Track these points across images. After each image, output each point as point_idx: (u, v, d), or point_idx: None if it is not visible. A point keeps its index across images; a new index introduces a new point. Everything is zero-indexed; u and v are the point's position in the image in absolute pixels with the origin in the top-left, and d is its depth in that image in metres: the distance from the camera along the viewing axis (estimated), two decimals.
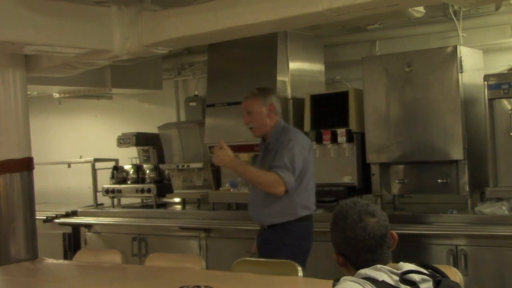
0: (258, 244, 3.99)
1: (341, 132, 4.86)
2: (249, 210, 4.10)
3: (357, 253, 1.98)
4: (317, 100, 5.12)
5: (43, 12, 3.72)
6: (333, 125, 4.96)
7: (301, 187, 3.89)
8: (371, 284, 1.84)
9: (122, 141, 6.25)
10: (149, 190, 5.90)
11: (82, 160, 6.64)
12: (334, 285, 1.93)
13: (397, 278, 1.89)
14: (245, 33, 4.10)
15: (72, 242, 6.17)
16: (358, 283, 1.84)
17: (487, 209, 4.27)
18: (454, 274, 2.60)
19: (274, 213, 3.89)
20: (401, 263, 1.97)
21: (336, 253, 2.06)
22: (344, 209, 2.03)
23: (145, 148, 6.34)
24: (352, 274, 1.94)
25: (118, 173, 6.21)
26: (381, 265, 1.93)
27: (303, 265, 3.76)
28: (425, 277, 1.91)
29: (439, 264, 2.10)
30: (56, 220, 6.11)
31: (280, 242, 3.85)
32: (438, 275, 1.95)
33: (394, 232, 2.05)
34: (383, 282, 1.86)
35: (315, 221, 4.83)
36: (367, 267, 1.93)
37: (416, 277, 1.90)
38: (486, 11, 5.00)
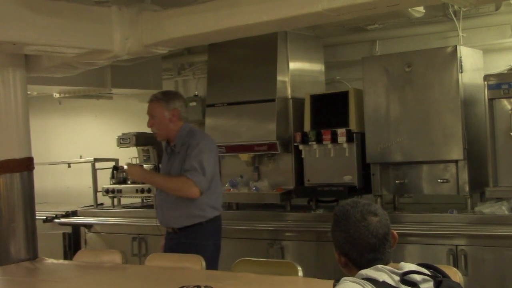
0: (169, 248, 3.98)
1: (341, 132, 4.86)
2: (157, 214, 4.12)
3: (360, 252, 1.98)
4: (317, 100, 5.12)
5: (43, 12, 3.72)
6: (333, 125, 4.96)
7: (210, 189, 3.96)
8: (372, 285, 1.84)
9: (122, 141, 6.25)
10: (149, 190, 5.89)
11: (82, 160, 6.64)
12: (334, 285, 1.93)
13: (397, 278, 1.89)
14: (245, 33, 4.10)
15: (72, 242, 6.16)
16: (359, 284, 1.84)
17: (487, 209, 4.27)
18: (454, 274, 2.60)
19: (184, 215, 3.94)
20: (402, 263, 1.97)
21: (338, 253, 2.05)
22: (345, 209, 2.03)
23: (145, 148, 6.33)
24: (354, 275, 1.94)
25: (118, 173, 6.20)
26: (382, 265, 1.93)
27: (216, 263, 3.92)
28: (426, 277, 1.91)
29: (439, 264, 2.10)
30: (56, 220, 6.10)
31: (195, 244, 3.90)
32: (439, 275, 1.94)
33: (394, 231, 2.05)
34: (384, 282, 1.86)
35: (315, 221, 4.88)
36: (369, 266, 1.93)
37: (417, 277, 1.90)
38: (486, 11, 5.00)
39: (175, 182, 3.92)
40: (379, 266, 1.93)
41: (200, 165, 3.87)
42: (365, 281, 1.85)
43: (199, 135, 4.08)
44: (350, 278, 1.90)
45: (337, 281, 1.92)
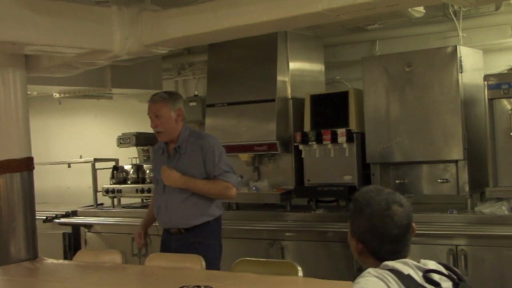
0: (174, 249, 3.92)
1: (341, 132, 4.86)
2: (161, 215, 4.05)
3: (381, 242, 1.92)
4: (317, 100, 5.12)
5: (43, 12, 3.72)
6: (333, 125, 4.96)
7: None
8: (396, 279, 1.80)
9: (122, 141, 6.25)
10: (149, 190, 5.89)
11: (82, 160, 6.63)
12: (355, 276, 1.88)
13: (421, 274, 1.86)
14: (245, 33, 4.10)
15: (72, 242, 6.16)
16: (383, 281, 1.80)
17: (487, 209, 4.27)
18: None
19: (194, 214, 3.93)
20: (423, 260, 1.93)
21: (355, 240, 1.98)
22: (369, 196, 1.96)
23: (145, 148, 6.33)
24: (370, 263, 1.90)
25: (118, 173, 6.20)
26: (410, 260, 1.89)
27: (219, 262, 3.91)
28: (445, 278, 1.88)
29: None
30: (56, 220, 6.10)
31: (205, 243, 3.90)
32: (455, 277, 1.91)
33: (414, 224, 1.99)
34: (409, 276, 1.82)
35: (315, 221, 4.88)
36: (389, 257, 1.89)
37: (436, 276, 1.87)
38: (486, 11, 5.00)
39: (216, 186, 3.93)
40: (407, 260, 1.88)
41: (228, 166, 3.96)
42: (389, 273, 1.81)
43: (207, 137, 4.08)
44: (373, 270, 1.84)
45: (359, 270, 1.87)
